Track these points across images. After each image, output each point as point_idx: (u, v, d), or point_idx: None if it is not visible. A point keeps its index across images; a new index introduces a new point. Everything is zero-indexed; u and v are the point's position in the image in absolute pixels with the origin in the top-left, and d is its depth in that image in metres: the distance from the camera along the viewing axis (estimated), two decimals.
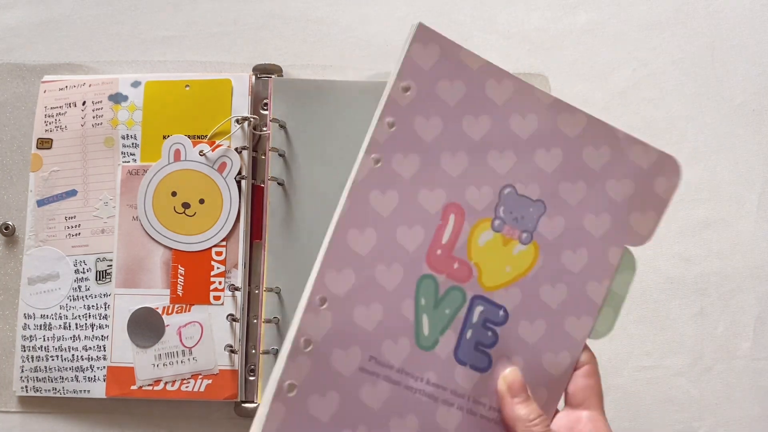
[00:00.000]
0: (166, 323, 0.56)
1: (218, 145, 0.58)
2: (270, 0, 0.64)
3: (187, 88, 0.59)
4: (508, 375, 0.38)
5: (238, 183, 0.57)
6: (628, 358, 0.58)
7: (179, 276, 0.57)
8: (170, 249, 0.57)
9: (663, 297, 0.59)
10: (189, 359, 0.55)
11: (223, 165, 0.57)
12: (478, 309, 0.37)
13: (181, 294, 0.56)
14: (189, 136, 0.58)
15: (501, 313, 0.38)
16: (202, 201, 0.57)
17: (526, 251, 0.38)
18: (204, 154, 0.57)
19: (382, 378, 0.36)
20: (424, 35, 0.36)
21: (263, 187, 0.58)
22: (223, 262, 0.57)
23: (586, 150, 0.38)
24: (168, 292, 0.57)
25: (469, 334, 0.37)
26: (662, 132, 0.61)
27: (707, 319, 0.59)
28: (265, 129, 0.59)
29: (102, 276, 0.57)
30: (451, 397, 0.37)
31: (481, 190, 0.37)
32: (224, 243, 0.57)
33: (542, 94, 0.37)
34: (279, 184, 0.57)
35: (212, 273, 0.57)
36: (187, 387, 0.55)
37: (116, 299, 0.57)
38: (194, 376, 0.55)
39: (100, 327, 0.57)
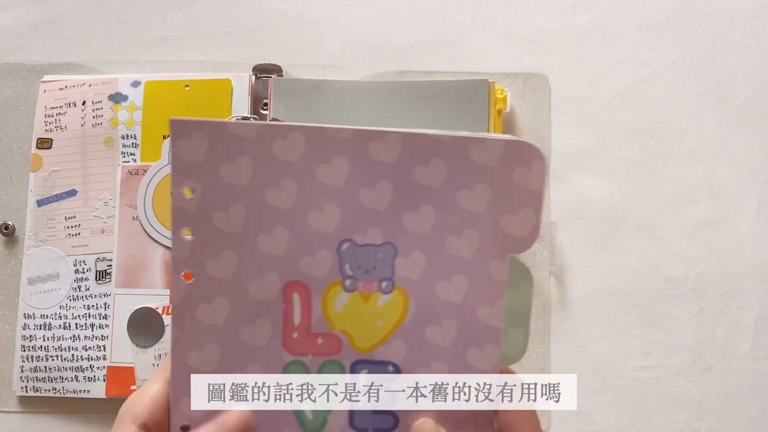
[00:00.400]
0: (166, 323, 0.56)
1: None
2: (270, 0, 0.64)
3: (187, 88, 0.59)
4: (417, 430, 0.34)
5: None
6: (628, 358, 0.58)
7: None
8: (170, 249, 0.57)
9: (663, 297, 0.59)
10: None
11: None
12: (363, 372, 0.34)
13: None
14: None
15: (390, 368, 0.34)
16: None
17: (392, 300, 0.34)
18: None
19: None
20: (180, 129, 0.32)
21: None
22: None
23: (415, 170, 0.33)
24: (168, 292, 0.57)
25: None
26: (662, 132, 0.61)
27: (707, 319, 0.59)
28: None
29: (102, 276, 0.57)
30: None
31: (316, 257, 0.33)
32: None
33: (338, 130, 0.33)
34: None
35: None
36: None
37: (116, 299, 0.57)
38: None
39: (100, 327, 0.57)
